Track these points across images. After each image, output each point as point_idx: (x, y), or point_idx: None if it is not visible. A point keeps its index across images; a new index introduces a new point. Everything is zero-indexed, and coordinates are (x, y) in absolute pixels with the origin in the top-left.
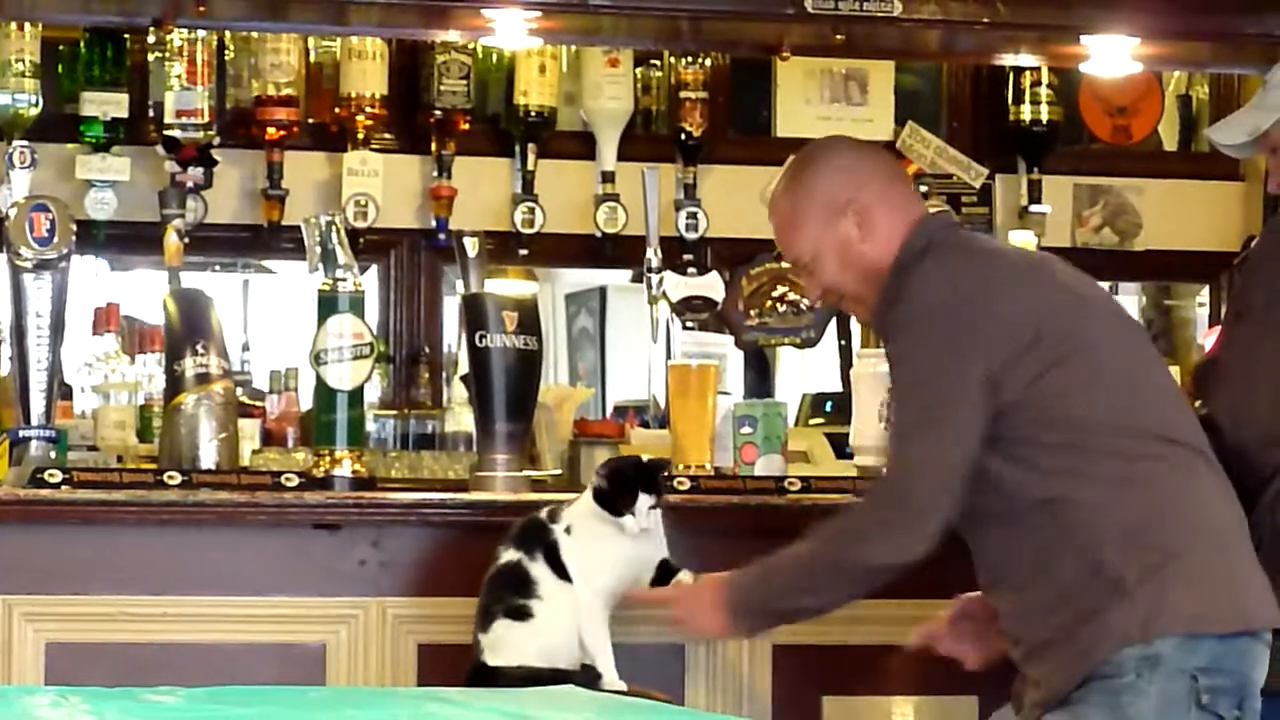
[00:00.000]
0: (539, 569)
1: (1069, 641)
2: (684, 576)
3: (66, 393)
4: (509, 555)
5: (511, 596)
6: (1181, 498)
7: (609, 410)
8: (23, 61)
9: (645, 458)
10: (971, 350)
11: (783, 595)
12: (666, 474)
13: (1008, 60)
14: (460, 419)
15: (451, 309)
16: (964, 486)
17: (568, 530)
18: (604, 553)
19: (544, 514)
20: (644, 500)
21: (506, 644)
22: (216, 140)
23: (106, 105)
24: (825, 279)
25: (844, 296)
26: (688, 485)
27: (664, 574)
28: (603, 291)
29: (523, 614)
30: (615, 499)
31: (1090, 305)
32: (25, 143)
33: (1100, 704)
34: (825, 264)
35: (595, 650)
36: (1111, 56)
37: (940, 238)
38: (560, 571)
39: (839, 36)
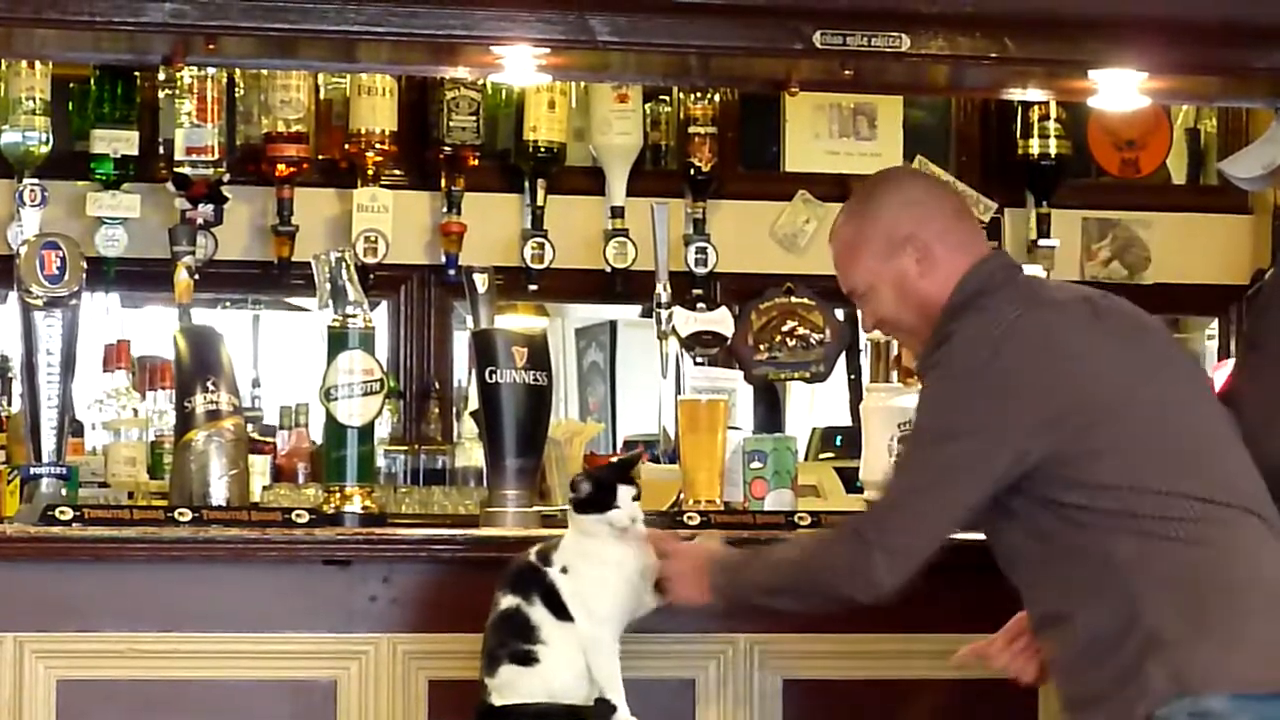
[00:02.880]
0: (539, 613)
1: (1110, 700)
2: None
3: (77, 430)
4: (507, 601)
5: (515, 642)
6: (1224, 554)
7: (619, 444)
8: (33, 99)
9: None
10: (1001, 416)
11: (755, 592)
12: (638, 465)
13: (1016, 95)
14: (471, 454)
15: (461, 344)
16: (942, 545)
17: (564, 570)
18: (604, 584)
19: (534, 556)
20: (624, 491)
21: (515, 687)
22: (226, 177)
23: (117, 142)
24: (880, 311)
25: (899, 331)
26: (698, 520)
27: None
28: (613, 326)
29: (529, 659)
30: (597, 499)
31: (1142, 358)
32: (36, 180)
33: None
34: (881, 296)
35: (607, 685)
36: (1119, 91)
37: (995, 283)
38: (561, 613)
39: (847, 72)
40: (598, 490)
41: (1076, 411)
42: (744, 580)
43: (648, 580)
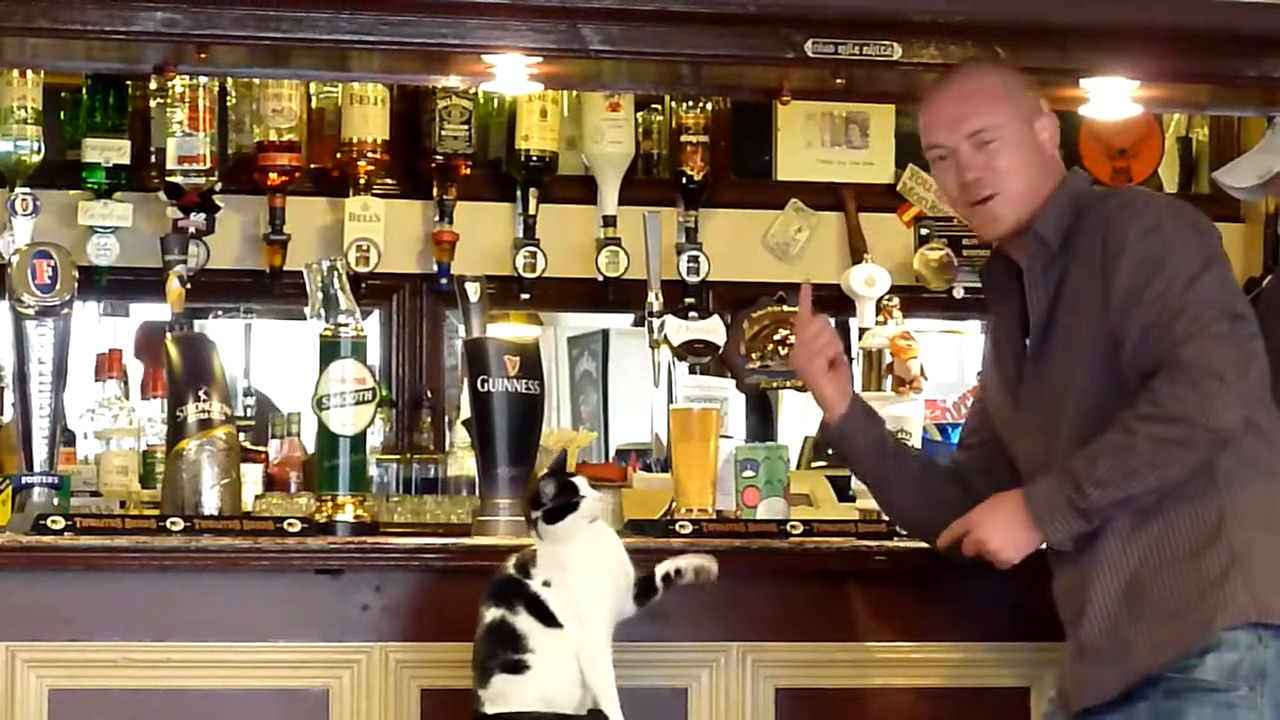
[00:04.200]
0: (525, 622)
1: (1187, 612)
2: (665, 568)
3: (69, 439)
4: (491, 614)
5: (505, 652)
6: None
7: (611, 453)
8: (25, 108)
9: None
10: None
11: (1103, 494)
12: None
13: None
14: (463, 463)
15: (453, 353)
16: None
17: (546, 584)
18: (591, 589)
19: (513, 568)
20: (580, 481)
21: (507, 696)
22: (218, 186)
23: (109, 151)
24: (999, 160)
25: (996, 189)
26: (690, 529)
27: (644, 588)
28: (605, 335)
29: (519, 667)
30: (564, 500)
31: None
32: (27, 190)
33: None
34: (1007, 146)
35: (601, 692)
36: (1111, 99)
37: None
38: (548, 620)
39: (839, 80)
40: (561, 490)
41: None
42: (1074, 487)
43: (626, 581)
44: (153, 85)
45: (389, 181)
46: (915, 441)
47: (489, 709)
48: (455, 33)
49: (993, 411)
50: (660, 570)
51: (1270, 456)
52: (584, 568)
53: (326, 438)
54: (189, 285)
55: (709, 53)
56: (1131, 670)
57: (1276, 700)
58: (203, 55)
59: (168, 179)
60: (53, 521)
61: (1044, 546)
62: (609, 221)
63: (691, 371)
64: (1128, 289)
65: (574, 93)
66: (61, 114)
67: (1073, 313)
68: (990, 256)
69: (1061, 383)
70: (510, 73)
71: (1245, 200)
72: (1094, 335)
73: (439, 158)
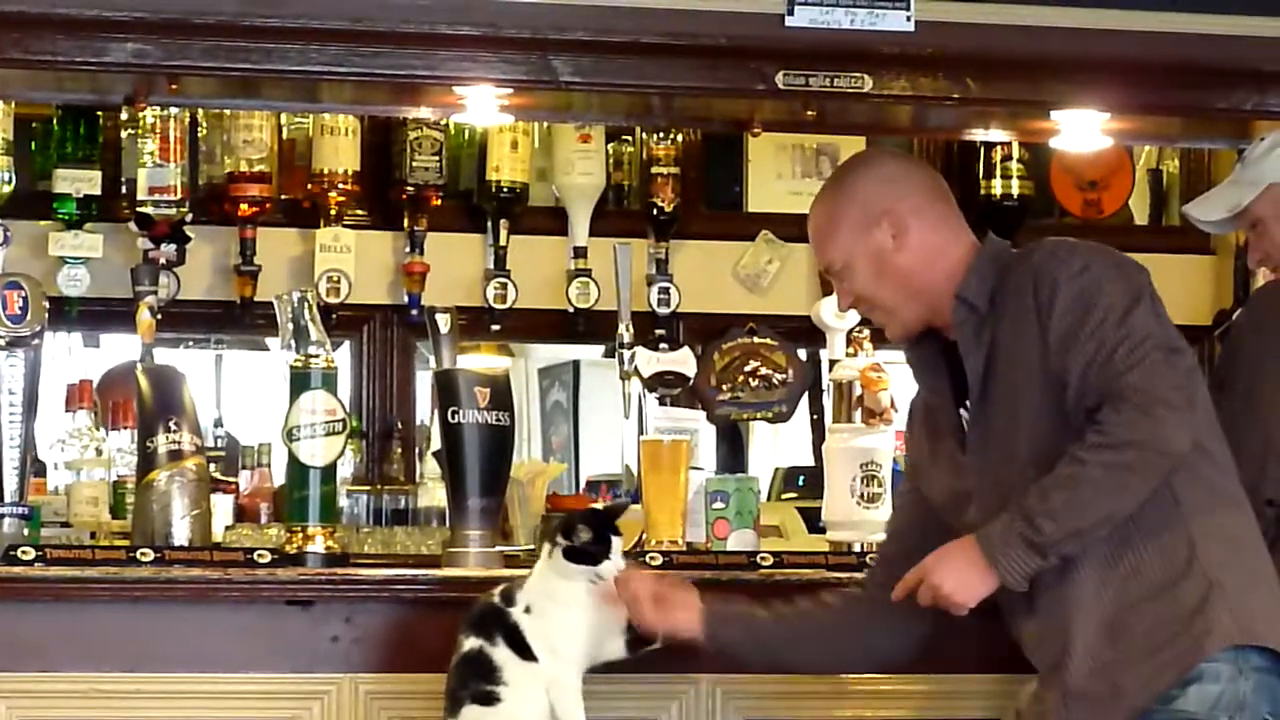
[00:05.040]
0: (501, 654)
1: (1173, 643)
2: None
3: (40, 469)
4: (470, 643)
5: (477, 683)
6: (1256, 532)
7: (582, 484)
8: None
9: (601, 505)
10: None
11: (1055, 527)
12: (623, 513)
13: (979, 135)
14: (433, 494)
15: (424, 384)
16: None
17: (527, 610)
18: (569, 624)
19: (497, 597)
20: (617, 543)
21: None
22: (189, 217)
23: (79, 182)
24: (856, 287)
25: (875, 307)
26: (660, 561)
27: (636, 638)
28: (575, 366)
29: (490, 699)
30: (594, 549)
31: None
32: None
33: None
34: (857, 272)
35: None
36: (1082, 131)
37: (1034, 246)
38: (524, 653)
39: (810, 112)
40: (596, 540)
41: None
42: (1026, 522)
43: (615, 626)
44: (124, 116)
45: (360, 212)
46: (885, 473)
47: None
48: (426, 64)
49: (932, 495)
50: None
51: (1228, 484)
52: (567, 603)
53: (296, 469)
54: (159, 316)
55: (680, 84)
56: (1128, 709)
57: None
58: (173, 86)
59: (138, 209)
60: (23, 552)
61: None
62: (579, 253)
63: (662, 403)
64: (1064, 330)
65: (545, 124)
66: (32, 144)
67: (1011, 367)
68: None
69: (1009, 437)
70: (481, 104)
71: (1215, 234)
72: (1036, 383)
73: (410, 188)
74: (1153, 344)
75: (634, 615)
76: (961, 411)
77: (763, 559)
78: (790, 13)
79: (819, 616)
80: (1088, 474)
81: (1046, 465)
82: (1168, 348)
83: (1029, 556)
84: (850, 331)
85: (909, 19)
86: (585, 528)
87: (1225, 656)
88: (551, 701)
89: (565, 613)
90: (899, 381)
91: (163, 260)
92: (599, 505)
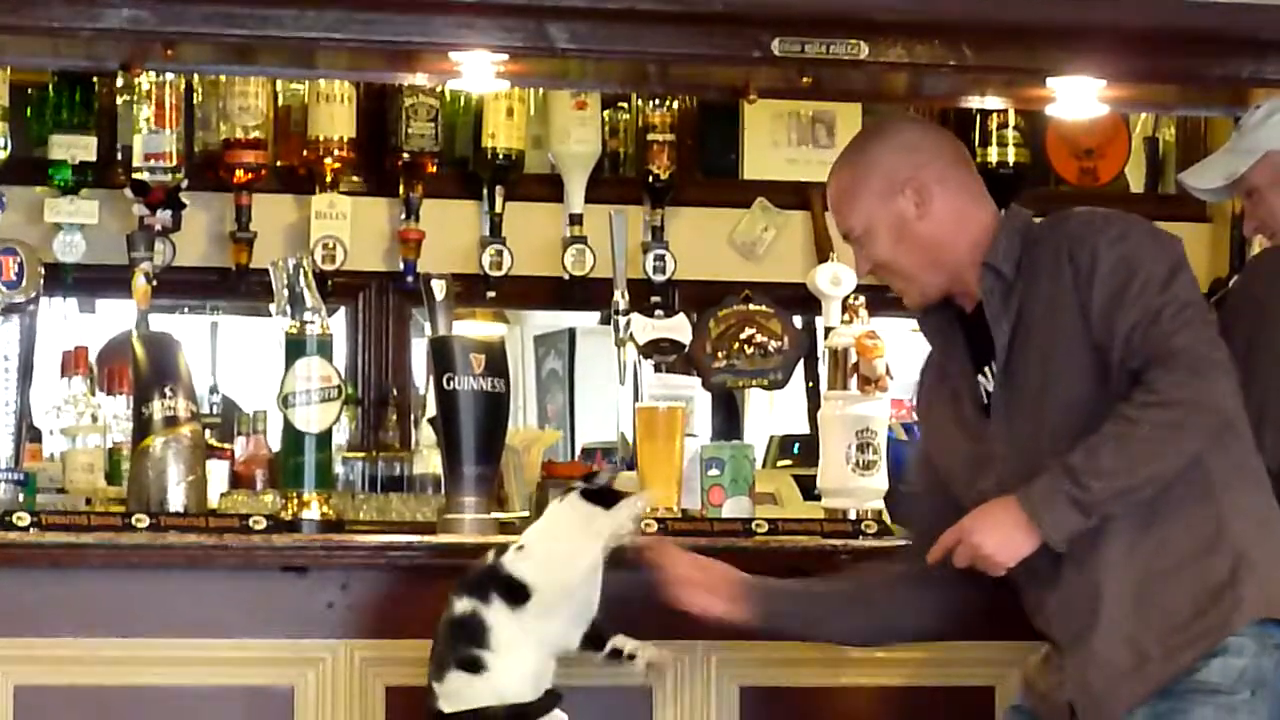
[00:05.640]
0: (494, 614)
1: (1202, 617)
2: (619, 642)
3: (35, 436)
4: (462, 604)
5: (465, 647)
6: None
7: (578, 452)
8: None
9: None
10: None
11: (1105, 486)
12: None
13: (975, 103)
14: (429, 461)
15: (420, 351)
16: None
17: (519, 548)
18: (560, 562)
19: (493, 556)
20: (633, 503)
21: (462, 695)
22: (185, 183)
23: (75, 149)
24: (876, 254)
25: (894, 274)
26: (655, 527)
27: (595, 636)
28: (571, 333)
29: (477, 665)
30: (609, 494)
31: None
32: None
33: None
34: (878, 239)
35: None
36: (1078, 99)
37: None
38: (515, 595)
39: (806, 79)
40: (611, 491)
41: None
42: (1073, 482)
43: (589, 612)
44: (119, 82)
45: (355, 179)
46: (880, 440)
47: (444, 706)
48: (422, 30)
49: (944, 461)
50: (616, 643)
51: (1253, 461)
52: (571, 551)
53: (292, 435)
54: (155, 282)
55: (675, 51)
56: (1150, 678)
57: (1270, 708)
58: (169, 52)
59: (134, 176)
60: (18, 518)
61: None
62: (575, 220)
63: (657, 370)
64: (1108, 294)
65: (540, 91)
66: (28, 110)
67: (1043, 333)
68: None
69: (1037, 403)
70: (477, 71)
71: (1211, 201)
72: (1073, 349)
73: (405, 156)
74: (1195, 310)
75: (677, 598)
76: (980, 378)
77: (758, 525)
78: None
79: (862, 587)
80: (1139, 432)
81: (1075, 433)
82: (1206, 315)
83: (1072, 515)
84: (845, 298)
85: None
86: (607, 474)
87: (1250, 632)
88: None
89: (555, 567)
90: (894, 348)
91: (158, 226)
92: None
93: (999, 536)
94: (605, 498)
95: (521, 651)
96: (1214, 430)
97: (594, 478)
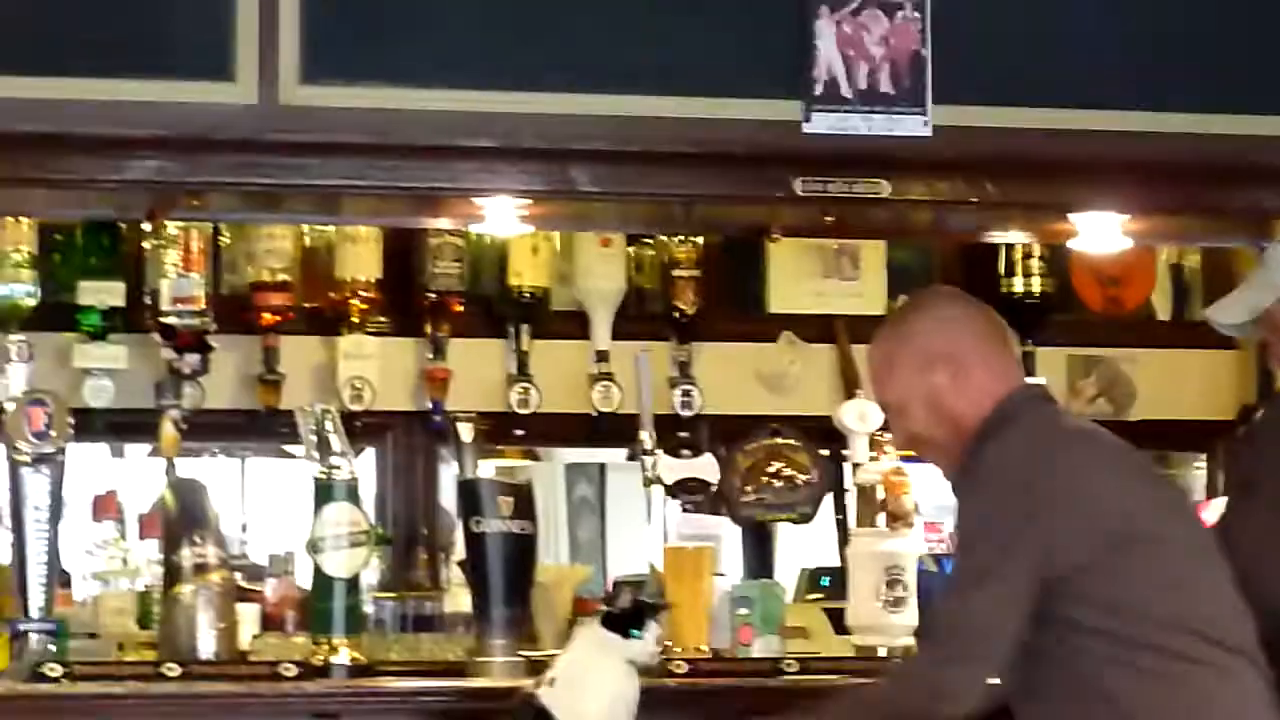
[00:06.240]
0: None
1: None
2: None
3: (66, 580)
4: None
5: None
6: (1216, 702)
7: (609, 584)
8: (20, 252)
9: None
10: (1035, 519)
11: None
12: (665, 611)
13: (997, 238)
14: (459, 599)
15: (449, 487)
16: (1012, 647)
17: (551, 683)
18: (590, 695)
19: (530, 685)
20: (653, 627)
21: None
22: (213, 326)
23: (103, 294)
24: (911, 427)
25: (929, 447)
26: (685, 669)
27: None
28: (602, 468)
29: None
30: (630, 619)
31: (1167, 500)
32: (22, 336)
33: None
34: (913, 412)
35: None
36: (1100, 232)
37: (1030, 407)
38: None
39: (829, 218)
40: (634, 613)
41: (1104, 526)
42: None
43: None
44: (146, 227)
45: (382, 319)
46: (910, 577)
47: None
48: (445, 176)
49: None
50: None
51: (1175, 667)
52: (598, 681)
53: (321, 580)
54: (185, 426)
55: (697, 192)
56: None
57: None
58: (195, 202)
59: (162, 320)
60: (50, 669)
61: None
62: (602, 357)
63: (685, 510)
64: None
65: None
66: (56, 257)
67: None
68: None
69: None
70: (500, 214)
71: (1238, 336)
72: None
73: (432, 295)
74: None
75: None
76: None
77: (788, 665)
78: (807, 119)
79: None
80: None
81: None
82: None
83: None
84: (872, 434)
85: (925, 124)
86: (627, 597)
87: None
88: None
89: (592, 687)
90: (927, 476)
91: (186, 370)
92: (644, 597)
93: None
94: (627, 621)
95: None
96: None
97: (616, 599)
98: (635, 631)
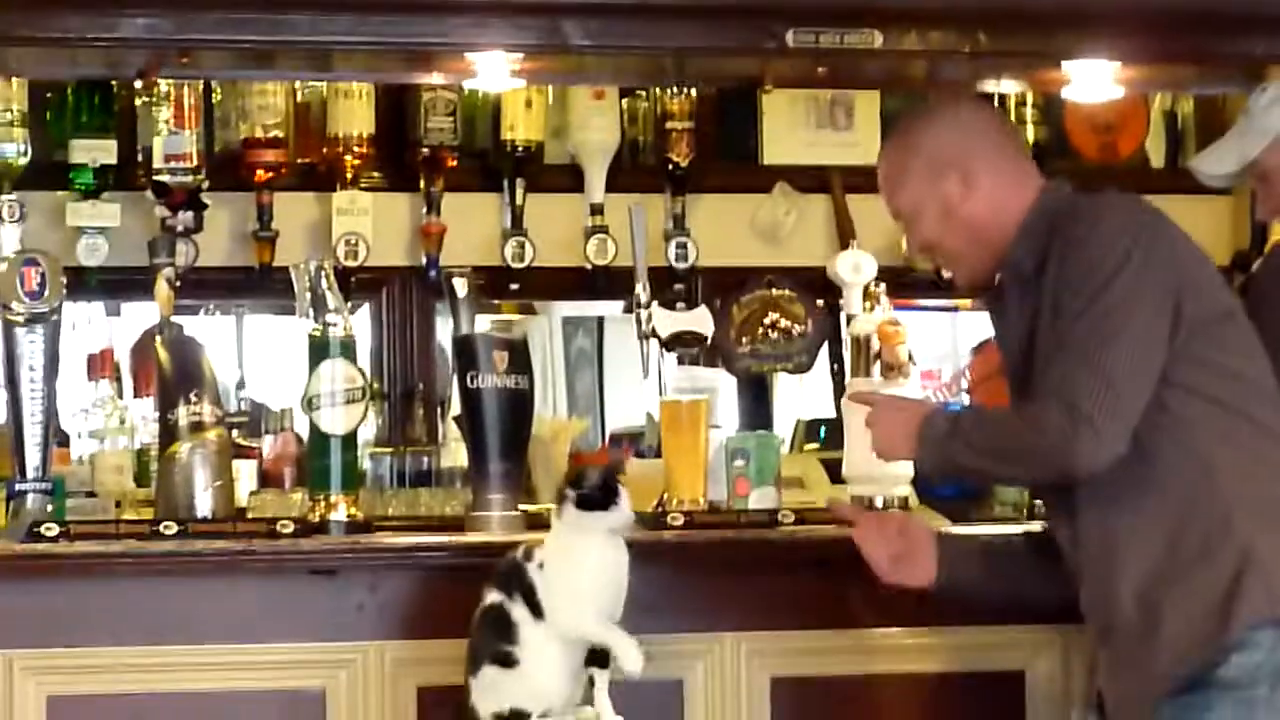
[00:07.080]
0: (520, 611)
1: (1207, 617)
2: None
3: (63, 439)
4: (492, 597)
5: (497, 641)
6: None
7: (606, 438)
8: (11, 111)
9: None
10: (1162, 269)
11: (963, 451)
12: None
13: (990, 88)
14: (456, 454)
15: (445, 343)
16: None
17: (541, 566)
18: (581, 582)
19: (520, 554)
20: (624, 493)
21: (497, 689)
22: (206, 184)
23: (95, 152)
24: (924, 234)
25: (942, 253)
26: (681, 521)
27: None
28: (600, 321)
29: (508, 661)
30: (602, 497)
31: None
32: (13, 196)
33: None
34: (925, 219)
35: (608, 643)
36: (1093, 81)
37: (1080, 197)
38: (537, 611)
39: (821, 69)
40: (604, 488)
41: (1218, 298)
42: (956, 444)
43: (622, 593)
44: (138, 85)
45: (376, 175)
46: None
47: (478, 701)
48: (437, 31)
49: None
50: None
51: (1274, 453)
52: (581, 562)
53: (317, 437)
54: (179, 284)
55: (690, 45)
56: (1168, 676)
57: None
58: (185, 59)
59: (155, 178)
60: (46, 529)
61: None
62: (596, 210)
63: (680, 362)
64: (1051, 305)
65: None
66: (48, 115)
67: (1044, 334)
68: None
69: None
70: (493, 70)
71: (1223, 186)
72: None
73: (425, 150)
74: (1116, 322)
75: (875, 571)
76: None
77: (784, 517)
78: None
79: (1036, 542)
80: (1008, 442)
81: None
82: (1131, 321)
83: (943, 460)
84: (867, 286)
85: None
86: (595, 475)
87: (1267, 626)
88: (582, 638)
89: (577, 572)
90: (917, 335)
91: (180, 228)
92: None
93: (888, 432)
94: (599, 499)
95: (549, 650)
96: (1052, 477)
97: (582, 481)
98: (612, 501)
